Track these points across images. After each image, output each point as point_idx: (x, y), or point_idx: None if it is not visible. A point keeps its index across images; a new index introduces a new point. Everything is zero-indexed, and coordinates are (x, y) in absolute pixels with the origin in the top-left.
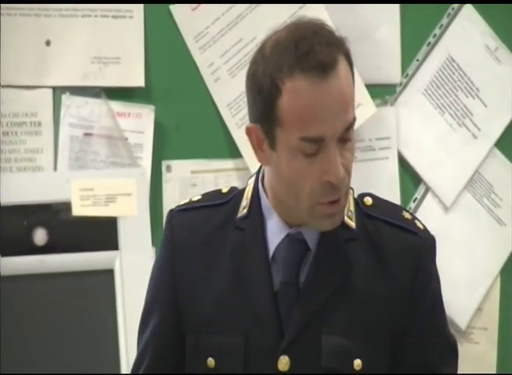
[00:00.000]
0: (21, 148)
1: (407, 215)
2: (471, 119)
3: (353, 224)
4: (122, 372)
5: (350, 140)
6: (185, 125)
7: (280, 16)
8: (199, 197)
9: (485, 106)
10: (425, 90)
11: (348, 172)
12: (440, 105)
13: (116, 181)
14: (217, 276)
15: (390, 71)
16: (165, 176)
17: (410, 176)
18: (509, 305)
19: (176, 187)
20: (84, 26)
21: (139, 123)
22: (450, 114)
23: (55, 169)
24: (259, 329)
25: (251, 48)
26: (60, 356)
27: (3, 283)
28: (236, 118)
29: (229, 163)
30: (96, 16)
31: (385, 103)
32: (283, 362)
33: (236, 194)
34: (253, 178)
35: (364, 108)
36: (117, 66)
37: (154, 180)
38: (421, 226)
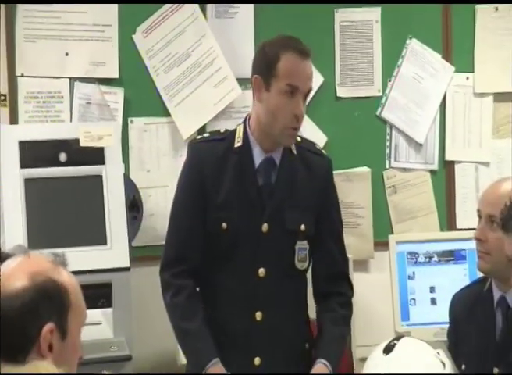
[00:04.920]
0: (52, 110)
1: (318, 146)
2: None
3: (295, 152)
4: (107, 236)
5: (307, 98)
6: (140, 99)
7: (189, 40)
8: (207, 134)
9: None
10: None
11: (302, 116)
12: None
13: (103, 128)
14: (226, 180)
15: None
16: (130, 125)
17: None
18: None
19: (135, 132)
20: (86, 45)
21: (115, 98)
22: None
23: (71, 121)
24: (252, 208)
25: (176, 58)
26: (72, 226)
27: (44, 183)
28: (168, 95)
29: (163, 119)
30: (93, 40)
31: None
32: (265, 227)
33: (229, 133)
34: (241, 125)
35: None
36: (104, 67)
37: (124, 127)
38: (325, 152)
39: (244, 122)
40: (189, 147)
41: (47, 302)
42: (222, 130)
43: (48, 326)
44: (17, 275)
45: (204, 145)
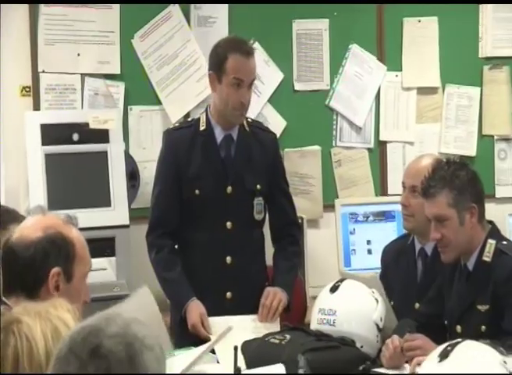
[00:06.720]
0: (67, 99)
1: (264, 124)
2: None
3: (247, 129)
4: (111, 200)
5: (251, 87)
6: (138, 90)
7: (177, 44)
8: (178, 124)
9: None
10: None
11: (248, 102)
12: None
13: (108, 114)
14: (195, 157)
15: None
16: (130, 112)
17: None
18: None
19: (134, 117)
20: (94, 48)
21: (117, 89)
22: None
23: (82, 108)
24: (217, 175)
25: (166, 58)
26: (83, 191)
27: (60, 158)
28: (160, 87)
29: (156, 107)
30: (99, 43)
31: None
32: (229, 189)
33: (195, 120)
34: (204, 113)
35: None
36: (108, 65)
37: (124, 114)
38: (271, 129)
39: (206, 110)
40: (164, 134)
41: (55, 251)
42: (189, 119)
43: (56, 270)
44: (33, 228)
45: (175, 132)
